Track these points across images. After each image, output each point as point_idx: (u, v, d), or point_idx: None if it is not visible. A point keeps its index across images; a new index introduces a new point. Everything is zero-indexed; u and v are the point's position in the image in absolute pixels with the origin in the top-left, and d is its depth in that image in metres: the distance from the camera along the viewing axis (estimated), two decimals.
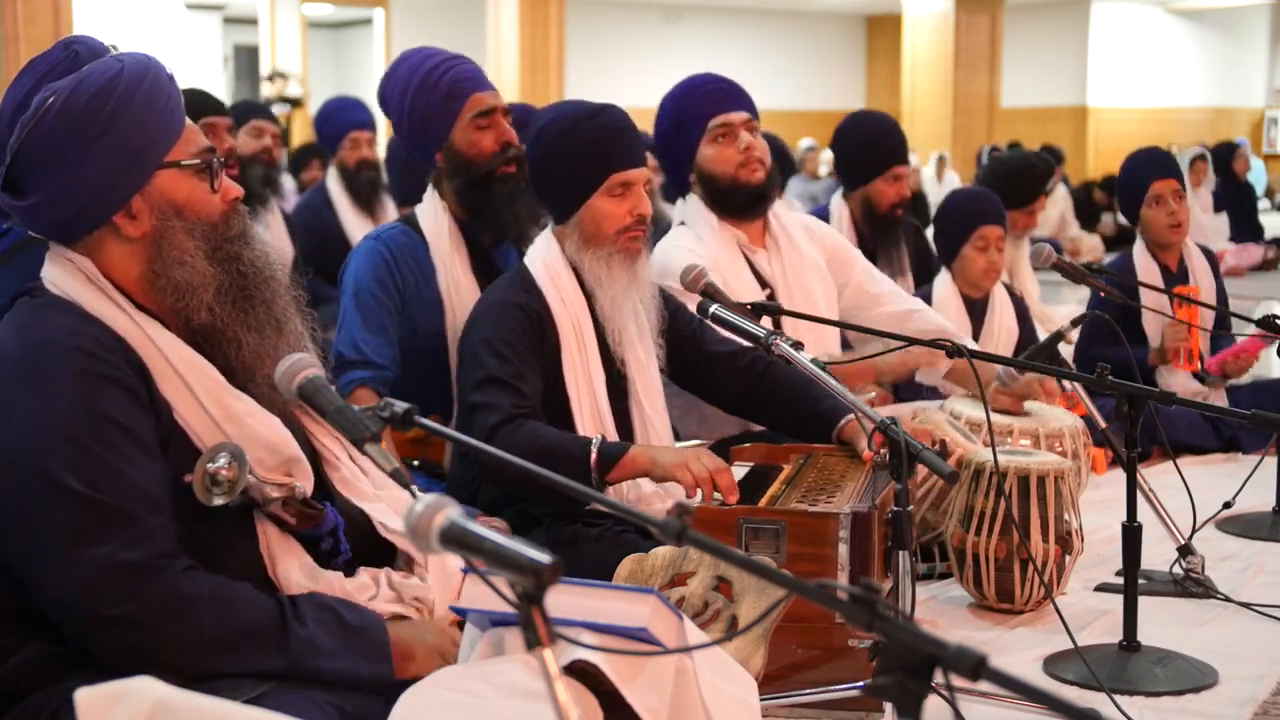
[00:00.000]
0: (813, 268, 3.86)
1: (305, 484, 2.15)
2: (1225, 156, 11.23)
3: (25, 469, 1.96)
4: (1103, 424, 3.75)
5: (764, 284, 3.78)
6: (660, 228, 4.14)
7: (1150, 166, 5.03)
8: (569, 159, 3.07)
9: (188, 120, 2.18)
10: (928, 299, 4.53)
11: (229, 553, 2.07)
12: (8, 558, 2.00)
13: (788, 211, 4.04)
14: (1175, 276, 5.08)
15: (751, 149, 3.75)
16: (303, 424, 2.24)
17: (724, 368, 3.32)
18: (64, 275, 2.10)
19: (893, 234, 4.82)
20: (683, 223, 3.90)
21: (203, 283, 2.11)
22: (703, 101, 3.79)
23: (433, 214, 3.49)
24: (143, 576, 1.95)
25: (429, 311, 3.42)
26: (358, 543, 2.26)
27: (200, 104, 4.38)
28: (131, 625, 1.95)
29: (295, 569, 2.12)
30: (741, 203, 3.77)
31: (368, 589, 2.21)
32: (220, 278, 2.13)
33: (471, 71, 3.46)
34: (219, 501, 2.03)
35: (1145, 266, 5.07)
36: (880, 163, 4.74)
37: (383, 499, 2.28)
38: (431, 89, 3.41)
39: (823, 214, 4.75)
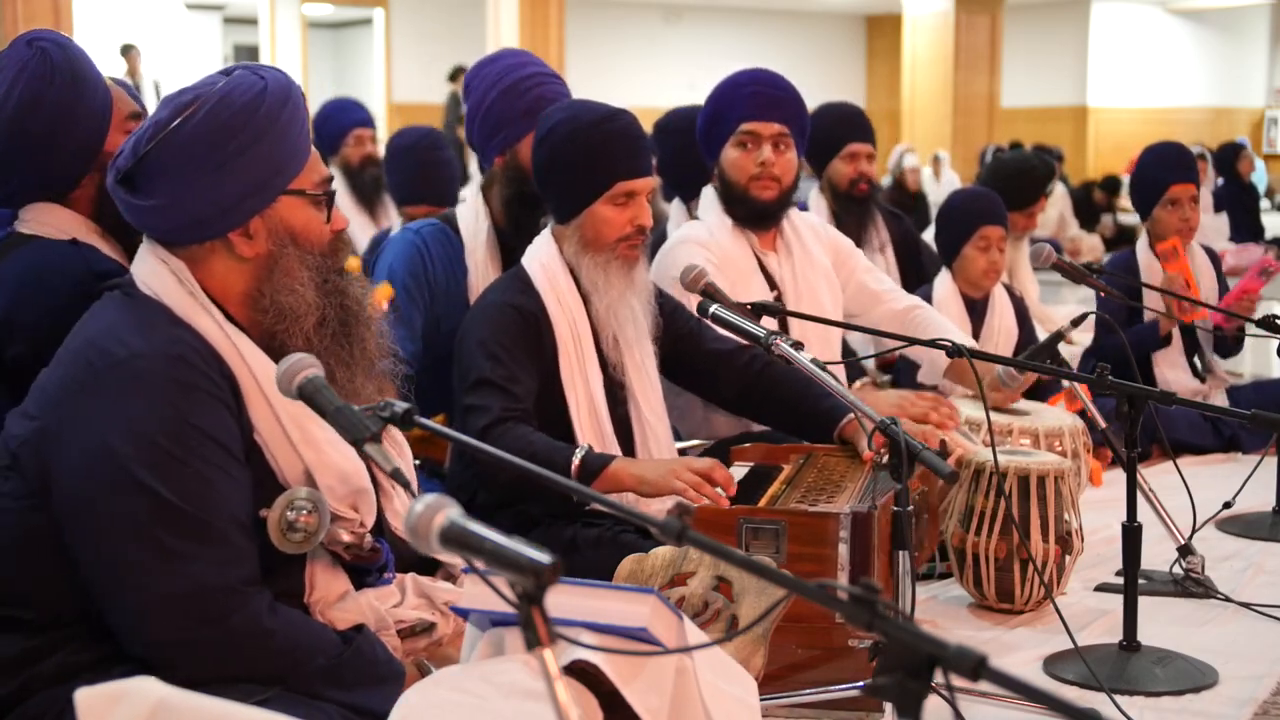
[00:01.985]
0: (822, 273, 3.85)
1: (369, 518, 2.15)
2: (1230, 157, 11.19)
3: (115, 471, 1.94)
4: (1103, 424, 3.75)
5: (773, 285, 3.77)
6: (658, 223, 4.14)
7: (1171, 169, 4.99)
8: (576, 162, 3.05)
9: (312, 147, 2.17)
10: (928, 299, 4.54)
11: (274, 574, 2.06)
12: (82, 561, 1.98)
13: (801, 215, 4.02)
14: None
15: (768, 165, 3.67)
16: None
17: (722, 365, 3.31)
18: (157, 276, 2.09)
19: (860, 211, 4.95)
20: (696, 217, 3.90)
21: (307, 311, 2.11)
22: (740, 103, 3.71)
23: (474, 217, 3.52)
24: (229, 601, 1.95)
25: (455, 311, 3.42)
26: (402, 570, 2.28)
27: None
28: (205, 649, 1.94)
29: (331, 594, 2.13)
30: (748, 214, 3.74)
31: (392, 595, 2.22)
32: (324, 309, 2.13)
33: (559, 94, 3.48)
34: (293, 549, 2.03)
35: (1148, 265, 5.05)
36: (833, 142, 4.95)
37: None
38: (516, 98, 3.44)
39: (802, 209, 4.80)
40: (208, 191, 2.04)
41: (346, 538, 2.09)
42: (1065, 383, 3.85)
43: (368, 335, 2.19)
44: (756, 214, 3.74)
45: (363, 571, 2.18)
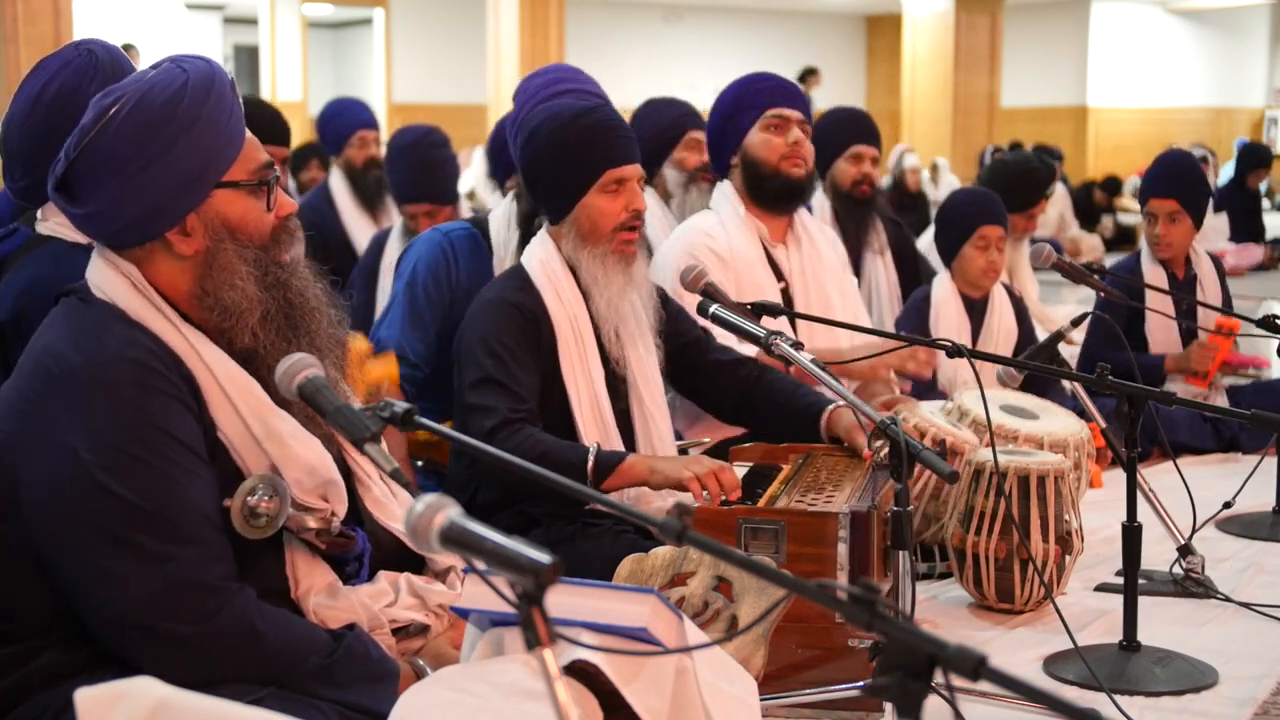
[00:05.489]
0: (830, 271, 3.90)
1: (340, 508, 2.14)
2: (1251, 162, 10.88)
3: (83, 479, 1.94)
4: (1103, 424, 3.75)
5: (780, 277, 3.83)
6: None
7: (1155, 181, 4.93)
8: (562, 158, 3.06)
9: (247, 133, 2.14)
10: (927, 299, 4.56)
11: (255, 570, 2.06)
12: (57, 570, 1.98)
13: (809, 218, 4.08)
14: (1182, 285, 5.02)
15: (799, 144, 3.85)
16: (339, 444, 2.22)
17: (726, 376, 3.35)
18: (110, 280, 2.07)
19: (859, 213, 4.98)
20: (708, 208, 3.96)
21: (250, 306, 2.08)
22: (765, 93, 3.90)
23: (505, 225, 3.55)
24: (213, 598, 1.95)
25: None
26: (383, 560, 2.27)
27: (265, 128, 4.17)
28: (194, 649, 1.94)
29: (317, 589, 2.12)
30: (776, 193, 3.85)
31: (385, 594, 2.21)
32: (267, 303, 2.10)
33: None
34: (259, 535, 2.03)
35: (1152, 272, 5.01)
36: (837, 143, 5.02)
37: None
38: None
39: (808, 208, 4.83)
40: (139, 193, 2.02)
41: (313, 523, 2.08)
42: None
43: (315, 327, 2.16)
44: (785, 193, 3.84)
45: (340, 561, 2.17)
